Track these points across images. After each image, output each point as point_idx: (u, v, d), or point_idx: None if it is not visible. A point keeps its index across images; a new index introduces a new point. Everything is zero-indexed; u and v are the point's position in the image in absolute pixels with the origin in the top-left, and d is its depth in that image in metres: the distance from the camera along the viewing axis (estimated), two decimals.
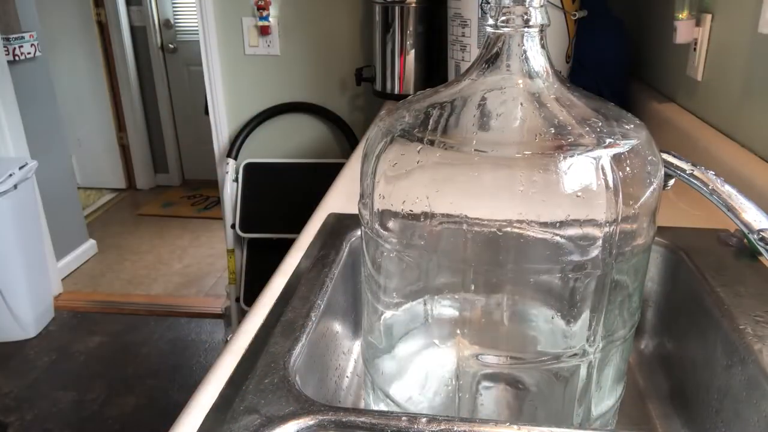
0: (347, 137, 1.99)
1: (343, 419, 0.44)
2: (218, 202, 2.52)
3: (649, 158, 0.48)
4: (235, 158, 2.02)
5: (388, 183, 0.50)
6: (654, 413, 0.65)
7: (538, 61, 0.47)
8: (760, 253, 0.65)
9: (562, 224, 0.46)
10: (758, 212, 0.50)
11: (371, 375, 0.57)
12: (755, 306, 0.57)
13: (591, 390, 0.51)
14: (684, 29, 1.04)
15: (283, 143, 2.06)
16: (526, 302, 0.55)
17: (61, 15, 3.44)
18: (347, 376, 0.68)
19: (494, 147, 0.46)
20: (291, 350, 0.52)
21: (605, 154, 0.45)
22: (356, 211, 0.56)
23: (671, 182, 0.56)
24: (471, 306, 0.52)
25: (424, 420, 0.43)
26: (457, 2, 1.26)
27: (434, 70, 1.61)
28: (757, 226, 0.49)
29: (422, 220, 0.49)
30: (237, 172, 2.03)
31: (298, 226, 0.80)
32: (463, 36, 1.26)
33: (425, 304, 0.56)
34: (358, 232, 0.72)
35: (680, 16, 1.03)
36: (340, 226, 0.75)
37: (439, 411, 0.54)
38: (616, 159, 0.45)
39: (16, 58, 2.44)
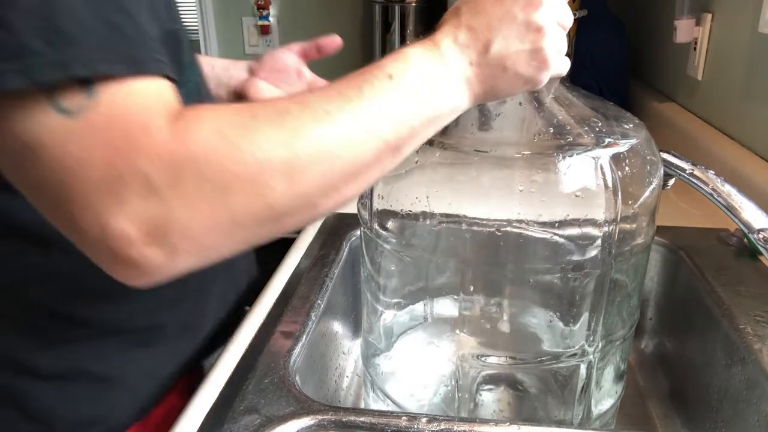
0: None
1: (343, 419, 0.44)
2: None
3: (649, 158, 0.48)
4: None
5: (386, 183, 0.50)
6: (654, 413, 0.65)
7: None
8: (760, 253, 0.65)
9: (562, 224, 0.46)
10: (758, 212, 0.50)
11: (371, 375, 0.57)
12: (755, 306, 0.57)
13: (591, 390, 0.51)
14: (684, 29, 1.04)
15: None
16: (526, 302, 0.55)
17: None
18: (347, 376, 0.68)
19: (493, 147, 0.46)
20: (291, 350, 0.52)
21: (604, 154, 0.45)
22: (356, 211, 0.56)
23: (671, 182, 0.56)
24: (470, 306, 0.52)
25: (424, 420, 0.43)
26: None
27: None
28: (757, 225, 0.49)
29: (421, 220, 0.49)
30: None
31: None
32: None
33: (425, 304, 0.56)
34: (358, 232, 0.72)
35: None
36: (340, 225, 0.75)
37: (438, 411, 0.54)
38: (616, 158, 0.45)
39: None
